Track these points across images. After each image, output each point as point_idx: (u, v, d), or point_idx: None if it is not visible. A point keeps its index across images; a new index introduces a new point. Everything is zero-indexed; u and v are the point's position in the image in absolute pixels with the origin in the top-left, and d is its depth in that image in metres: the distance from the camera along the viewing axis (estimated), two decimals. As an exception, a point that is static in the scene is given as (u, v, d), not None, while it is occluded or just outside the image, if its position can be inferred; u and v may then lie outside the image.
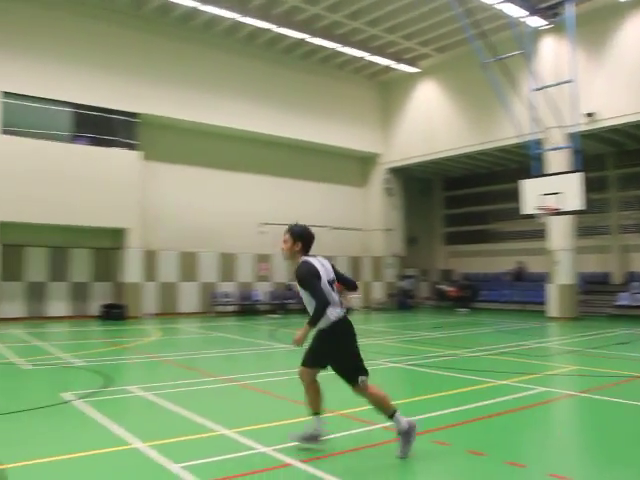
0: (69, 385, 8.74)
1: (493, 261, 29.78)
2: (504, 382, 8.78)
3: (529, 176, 19.62)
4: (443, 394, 8.09)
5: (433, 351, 12.50)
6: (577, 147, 19.79)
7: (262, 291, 25.49)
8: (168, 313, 22.74)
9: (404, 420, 5.27)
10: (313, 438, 5.40)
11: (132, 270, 21.70)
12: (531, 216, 19.28)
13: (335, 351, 5.42)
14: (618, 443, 5.88)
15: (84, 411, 6.90)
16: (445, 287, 28.80)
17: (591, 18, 20.71)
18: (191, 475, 4.67)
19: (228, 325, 19.88)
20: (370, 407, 5.51)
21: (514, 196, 20.37)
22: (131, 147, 21.80)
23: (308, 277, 5.36)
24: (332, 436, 5.77)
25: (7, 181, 19.07)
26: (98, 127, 21.39)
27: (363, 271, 29.22)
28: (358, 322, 21.48)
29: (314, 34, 23.59)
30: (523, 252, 28.15)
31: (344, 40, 24.35)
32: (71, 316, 21.18)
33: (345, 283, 5.72)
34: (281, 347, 13.77)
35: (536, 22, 21.12)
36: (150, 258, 22.58)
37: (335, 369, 5.48)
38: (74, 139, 20.87)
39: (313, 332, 5.44)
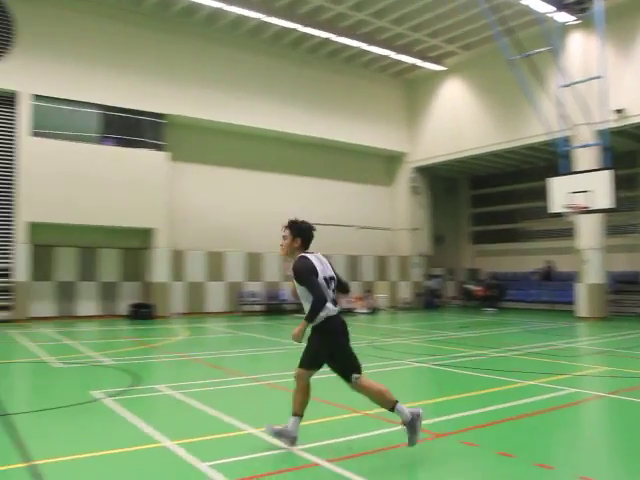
0: (99, 383, 8.86)
1: (521, 260, 29.48)
2: (532, 383, 8.69)
3: (557, 174, 19.38)
4: (471, 394, 8.04)
5: (460, 351, 12.42)
6: (606, 144, 19.49)
7: (288, 291, 25.47)
8: (195, 312, 22.90)
9: (407, 410, 5.26)
10: (289, 438, 5.37)
11: (160, 270, 21.89)
12: (559, 215, 19.04)
13: (329, 348, 5.41)
14: (650, 445, 5.80)
15: (113, 409, 6.99)
16: (472, 286, 28.61)
17: (620, 13, 20.42)
18: (219, 474, 4.70)
19: (255, 324, 19.96)
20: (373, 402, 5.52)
21: (542, 194, 20.13)
22: (158, 148, 22.01)
23: (305, 273, 5.37)
24: (359, 436, 5.78)
25: (37, 182, 19.38)
26: (126, 128, 21.65)
27: (390, 270, 29.14)
28: (384, 322, 21.60)
29: (339, 33, 23.58)
30: (551, 251, 27.82)
31: (369, 39, 24.30)
32: (100, 315, 21.44)
33: (338, 285, 5.68)
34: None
35: (564, 18, 20.85)
36: (177, 258, 22.76)
37: (331, 366, 5.50)
38: (102, 140, 21.14)
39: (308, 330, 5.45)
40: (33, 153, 19.54)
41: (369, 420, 6.50)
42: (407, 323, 21.19)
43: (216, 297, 23.77)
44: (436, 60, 26.51)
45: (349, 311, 24.42)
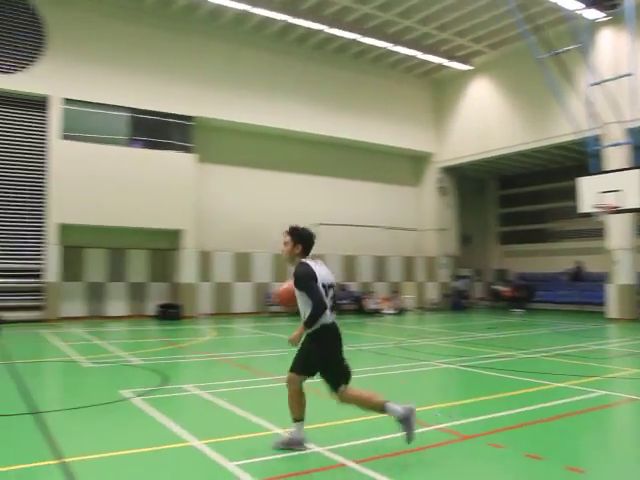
0: (128, 383, 8.96)
1: (550, 261, 29.15)
2: (562, 385, 8.59)
3: (587, 173, 19.12)
4: (499, 396, 7.98)
5: (488, 352, 12.33)
6: (637, 142, 19.20)
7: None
8: (223, 313, 23.04)
9: (398, 407, 5.24)
10: (298, 443, 5.38)
11: (188, 271, 22.06)
12: (589, 215, 18.78)
13: (323, 357, 5.39)
14: (682, 449, 5.70)
15: (142, 408, 7.06)
16: (500, 287, 28.37)
17: (651, 9, 20.09)
18: (246, 473, 4.73)
19: (281, 325, 20.00)
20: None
21: (571, 194, 19.87)
22: (186, 150, 22.20)
23: (305, 279, 5.43)
24: (387, 437, 5.77)
25: (67, 185, 19.68)
26: (154, 130, 21.89)
27: (417, 271, 29.02)
28: (411, 323, 21.51)
29: (365, 34, 23.55)
30: (581, 251, 27.46)
31: (395, 39, 24.23)
32: (129, 315, 21.67)
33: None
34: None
35: (593, 14, 20.59)
36: (205, 259, 22.91)
37: (322, 375, 5.45)
38: (131, 143, 21.39)
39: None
40: (63, 156, 19.86)
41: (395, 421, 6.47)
42: (434, 324, 21.08)
43: (243, 298, 23.88)
44: (463, 60, 26.36)
45: (376, 312, 24.39)
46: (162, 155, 21.62)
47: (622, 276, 20.96)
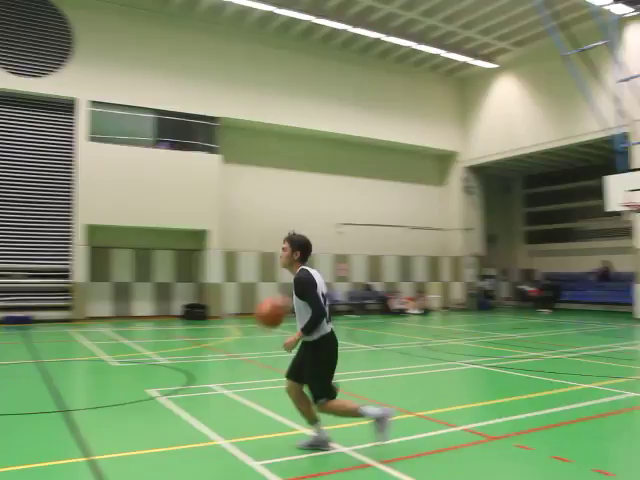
0: (154, 382, 9.05)
1: (577, 260, 28.80)
2: (590, 386, 8.50)
3: (614, 171, 18.86)
4: (525, 397, 7.91)
5: (514, 353, 12.24)
6: (667, 140, 18.92)
7: (341, 291, 25.55)
8: (248, 313, 23.04)
9: (374, 410, 5.26)
10: (323, 443, 5.40)
11: (213, 271, 22.18)
12: (617, 213, 18.54)
13: (318, 364, 5.36)
14: None
15: (169, 408, 7.12)
16: (526, 287, 28.13)
17: (681, 5, 19.76)
18: (271, 473, 4.76)
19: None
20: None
21: (598, 193, 19.63)
22: (211, 150, 22.33)
23: (307, 286, 5.44)
24: (412, 438, 5.75)
25: (95, 186, 19.92)
26: (179, 132, 22.07)
27: (442, 271, 28.87)
28: (437, 323, 21.42)
29: (389, 33, 23.49)
30: (608, 251, 27.10)
31: (420, 38, 24.12)
32: (155, 315, 21.86)
33: None
34: (360, 347, 13.79)
35: (620, 10, 20.27)
36: (230, 259, 23.03)
37: (307, 381, 5.42)
38: (157, 144, 21.58)
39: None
40: (90, 158, 20.10)
41: (422, 422, 6.47)
42: (460, 324, 20.96)
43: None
44: (488, 58, 26.16)
45: (401, 312, 24.33)
46: (187, 156, 21.77)
47: (651, 276, 20.66)
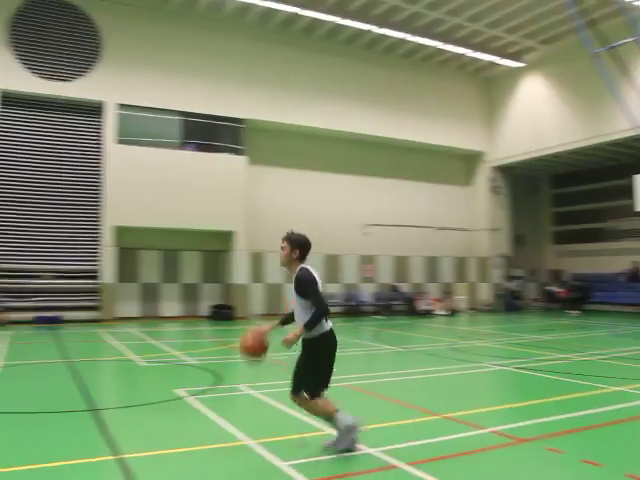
0: (182, 382, 9.12)
1: (606, 261, 28.37)
2: (620, 389, 8.37)
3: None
4: (554, 399, 7.80)
5: (543, 354, 12.10)
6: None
7: (367, 292, 25.49)
8: (275, 314, 23.06)
9: (347, 418, 5.30)
10: (353, 429, 5.35)
11: (239, 272, 22.27)
12: (648, 213, 18.26)
13: (317, 361, 5.41)
14: None
15: (196, 407, 7.17)
16: (554, 288, 27.81)
17: None
18: (298, 473, 4.76)
19: (334, 327, 20.01)
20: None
21: (628, 192, 19.36)
22: (237, 152, 22.44)
23: (309, 284, 5.45)
24: (439, 439, 5.72)
25: (123, 188, 20.13)
26: (206, 133, 22.21)
27: (469, 272, 28.66)
28: (464, 324, 21.26)
29: (414, 33, 23.38)
30: (639, 251, 26.68)
31: (445, 37, 23.97)
32: (182, 316, 22.01)
33: None
34: (387, 348, 13.75)
35: (651, 7, 19.97)
36: (257, 260, 23.08)
37: (297, 371, 5.50)
38: (183, 146, 21.75)
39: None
40: (118, 160, 20.32)
41: (449, 423, 6.42)
42: (487, 325, 20.79)
43: (295, 298, 23.94)
44: (514, 56, 25.90)
45: (428, 313, 24.21)
46: (213, 158, 21.90)
47: (683, 276, 20.29)
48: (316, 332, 5.36)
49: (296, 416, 6.68)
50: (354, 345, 14.52)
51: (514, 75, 27.03)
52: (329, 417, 5.42)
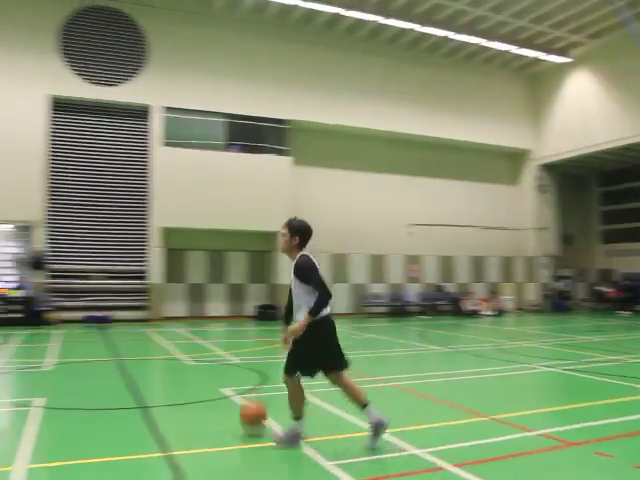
0: (228, 381, 9.23)
1: (659, 260, 27.65)
2: (674, 391, 8.17)
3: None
4: (605, 402, 7.65)
5: (592, 356, 11.87)
6: None
7: (412, 292, 25.35)
8: (319, 313, 23.15)
9: (299, 425, 5.50)
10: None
11: (285, 272, 22.33)
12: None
13: (313, 341, 5.46)
14: None
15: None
16: (604, 288, 27.22)
17: None
18: (344, 473, 4.78)
19: (379, 326, 20.01)
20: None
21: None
22: (282, 153, 22.58)
23: (310, 270, 5.54)
24: (485, 441, 5.67)
25: (169, 190, 20.47)
26: (250, 135, 22.41)
27: (516, 272, 28.24)
28: (511, 324, 20.99)
29: (458, 31, 23.16)
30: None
31: (489, 34, 23.67)
32: (228, 316, 22.25)
33: None
34: (433, 349, 13.67)
35: None
36: (301, 260, 23.08)
37: (293, 352, 5.62)
38: (228, 147, 21.99)
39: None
40: (165, 162, 20.68)
41: (496, 425, 6.36)
42: (534, 326, 20.48)
43: (340, 299, 23.94)
44: (561, 52, 25.41)
45: (474, 313, 23.97)
46: (259, 158, 22.08)
47: None
48: (317, 316, 5.42)
49: (342, 416, 6.71)
50: (400, 345, 14.49)
51: (560, 71, 26.54)
52: (298, 407, 5.58)
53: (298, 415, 5.62)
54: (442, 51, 25.48)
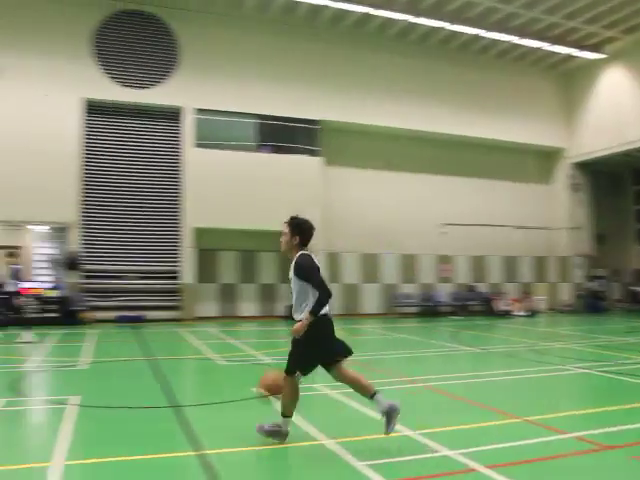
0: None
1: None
2: None
3: None
4: (640, 404, 7.53)
5: (628, 357, 11.67)
6: None
7: (444, 292, 25.20)
8: (350, 314, 23.10)
9: (285, 423, 5.57)
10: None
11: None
12: None
13: (312, 341, 5.49)
14: None
15: (274, 407, 7.27)
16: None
17: None
18: (375, 473, 4.78)
19: (410, 326, 19.92)
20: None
21: None
22: (313, 153, 22.63)
23: (311, 270, 5.58)
24: (519, 443, 5.62)
25: (201, 191, 20.66)
26: (281, 135, 22.50)
27: (549, 271, 27.88)
28: (544, 325, 20.74)
29: (489, 28, 22.95)
30: None
31: (521, 32, 23.42)
32: (259, 316, 22.35)
33: None
34: (465, 349, 13.58)
35: None
36: (333, 260, 23.14)
37: (293, 353, 5.69)
38: (259, 148, 22.11)
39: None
40: (197, 163, 20.89)
41: (530, 427, 6.29)
42: (568, 326, 20.21)
43: (371, 299, 23.95)
44: (594, 48, 24.99)
45: (506, 313, 23.74)
46: (289, 159, 22.16)
47: None
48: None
49: (373, 416, 6.69)
50: (431, 346, 14.42)
51: (594, 67, 26.11)
52: (289, 406, 5.62)
53: (287, 414, 5.66)
54: (473, 49, 25.28)
